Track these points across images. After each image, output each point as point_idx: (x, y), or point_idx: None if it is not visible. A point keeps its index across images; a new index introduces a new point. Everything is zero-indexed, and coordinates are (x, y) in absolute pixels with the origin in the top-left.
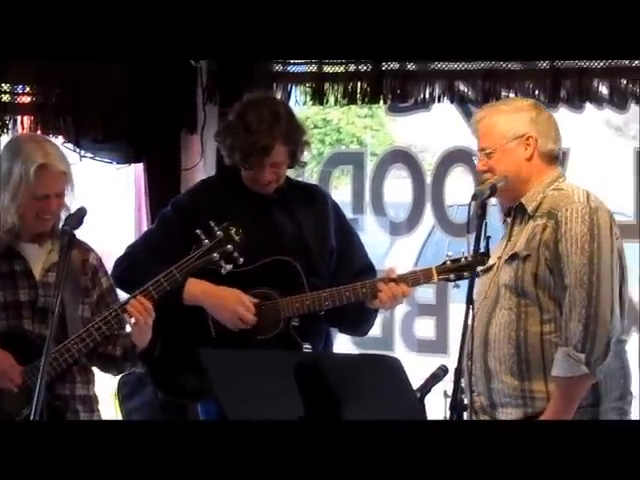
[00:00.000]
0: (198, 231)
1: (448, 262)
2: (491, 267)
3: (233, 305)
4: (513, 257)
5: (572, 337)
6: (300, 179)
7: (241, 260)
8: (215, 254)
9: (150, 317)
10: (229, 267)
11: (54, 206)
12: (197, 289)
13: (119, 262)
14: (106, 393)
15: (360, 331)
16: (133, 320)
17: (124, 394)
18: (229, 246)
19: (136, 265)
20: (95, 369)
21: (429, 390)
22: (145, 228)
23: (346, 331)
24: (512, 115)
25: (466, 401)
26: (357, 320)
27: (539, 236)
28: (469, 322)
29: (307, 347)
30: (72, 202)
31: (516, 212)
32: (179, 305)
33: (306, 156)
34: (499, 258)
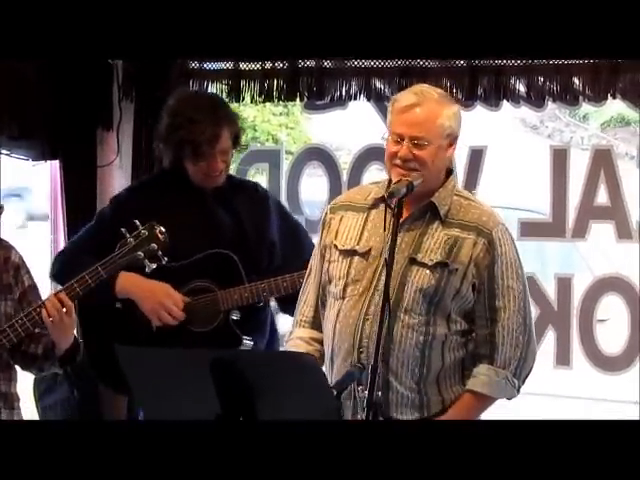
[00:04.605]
0: (123, 229)
1: None
2: (365, 253)
3: (160, 297)
4: (438, 266)
5: (506, 361)
6: None
7: (165, 259)
8: (139, 252)
9: (68, 315)
10: (153, 265)
11: None
12: (128, 282)
13: (56, 259)
14: (27, 391)
15: None
16: (50, 318)
17: (40, 392)
18: (153, 245)
19: (71, 262)
20: (17, 367)
21: (345, 387)
22: (61, 225)
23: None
24: (449, 109)
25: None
26: None
27: (469, 252)
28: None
29: (247, 340)
30: None
31: (419, 210)
32: (114, 299)
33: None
34: (388, 253)
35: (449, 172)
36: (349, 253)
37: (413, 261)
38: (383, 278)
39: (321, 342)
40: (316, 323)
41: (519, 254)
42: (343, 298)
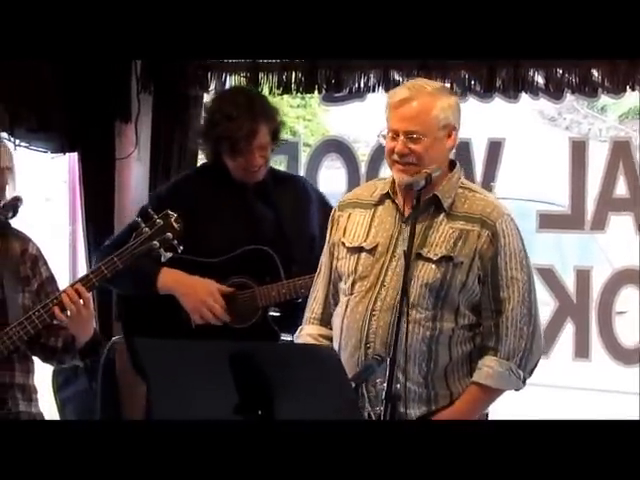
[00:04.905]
0: (138, 219)
1: None
2: (372, 250)
3: (202, 295)
4: (443, 260)
5: (510, 352)
6: None
7: (181, 248)
8: (155, 242)
9: (85, 307)
10: (169, 255)
11: None
12: (170, 278)
13: (96, 255)
14: (45, 383)
15: None
16: (67, 312)
17: (59, 384)
18: (168, 234)
19: (106, 257)
20: (36, 359)
21: (363, 380)
22: (80, 217)
23: None
24: (443, 101)
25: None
26: None
27: (474, 244)
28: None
29: (285, 336)
30: (12, 192)
31: (423, 204)
32: (156, 295)
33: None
34: (394, 248)
35: (453, 164)
36: (356, 250)
37: (419, 256)
38: (390, 274)
39: (330, 339)
40: (325, 320)
41: (525, 245)
42: (351, 294)
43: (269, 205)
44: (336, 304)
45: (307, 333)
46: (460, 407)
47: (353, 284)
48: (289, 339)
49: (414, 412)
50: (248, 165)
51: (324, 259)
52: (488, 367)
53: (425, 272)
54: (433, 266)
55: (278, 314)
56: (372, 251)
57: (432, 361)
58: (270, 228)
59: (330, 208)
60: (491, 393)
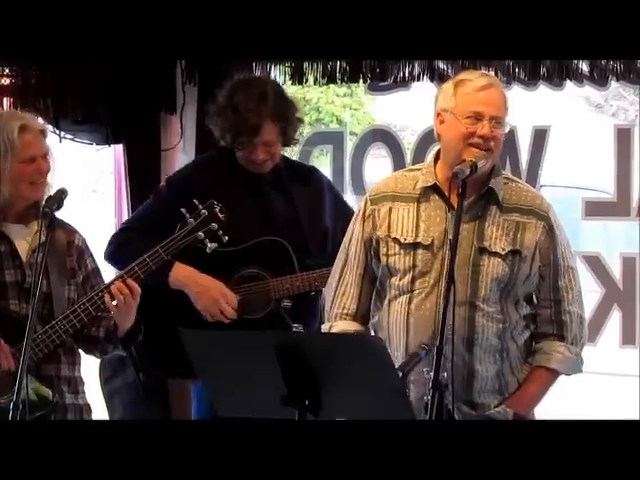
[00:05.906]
0: (183, 210)
1: None
2: (429, 245)
3: (215, 295)
4: (510, 254)
5: (574, 338)
6: None
7: (226, 238)
8: (200, 233)
9: (133, 299)
10: (214, 245)
11: (43, 167)
12: (182, 274)
13: (112, 239)
14: (92, 375)
15: None
16: (114, 302)
17: (106, 376)
18: (213, 224)
19: (127, 243)
20: (80, 351)
21: (411, 369)
22: (125, 209)
23: None
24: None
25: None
26: None
27: (533, 236)
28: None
29: (297, 327)
30: (54, 181)
31: (476, 197)
32: (166, 288)
33: (299, 133)
34: (452, 236)
35: None
36: (411, 246)
37: (483, 250)
38: (454, 268)
39: None
40: (359, 316)
41: None
42: (411, 291)
43: (283, 195)
44: (380, 300)
45: (342, 330)
46: (534, 391)
47: (413, 281)
48: (300, 329)
49: (491, 402)
50: (251, 158)
51: (354, 253)
52: (558, 352)
53: (494, 267)
54: (501, 260)
55: (289, 305)
56: (429, 247)
57: (504, 351)
58: (284, 218)
59: (340, 200)
60: (556, 377)
